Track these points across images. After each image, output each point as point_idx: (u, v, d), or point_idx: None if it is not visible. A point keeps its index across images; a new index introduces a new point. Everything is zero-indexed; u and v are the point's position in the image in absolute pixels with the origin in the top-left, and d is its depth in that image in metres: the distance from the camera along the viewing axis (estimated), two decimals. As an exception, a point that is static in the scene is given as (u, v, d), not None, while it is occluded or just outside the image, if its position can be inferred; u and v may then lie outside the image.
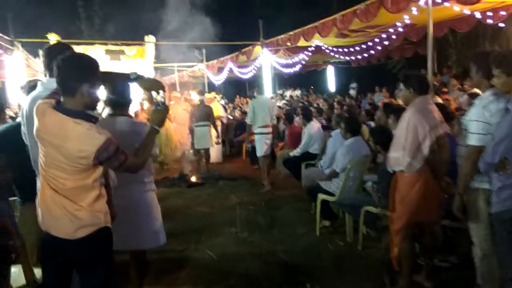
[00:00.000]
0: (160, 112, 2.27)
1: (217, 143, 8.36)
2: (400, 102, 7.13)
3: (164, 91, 2.34)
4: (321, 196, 4.36)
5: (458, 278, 3.18)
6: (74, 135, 1.81)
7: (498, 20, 6.79)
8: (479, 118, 2.62)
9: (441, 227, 3.32)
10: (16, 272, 2.67)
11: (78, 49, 12.00)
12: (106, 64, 12.01)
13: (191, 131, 7.72)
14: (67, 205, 1.90)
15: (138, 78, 2.35)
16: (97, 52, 12.09)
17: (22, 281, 2.77)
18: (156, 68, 13.73)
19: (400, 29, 7.12)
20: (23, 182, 2.82)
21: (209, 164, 8.05)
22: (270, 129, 6.66)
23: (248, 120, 6.82)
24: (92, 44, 12.32)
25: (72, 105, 1.85)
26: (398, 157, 2.95)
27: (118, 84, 2.56)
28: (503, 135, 2.25)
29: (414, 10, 5.81)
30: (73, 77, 1.83)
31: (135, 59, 12.60)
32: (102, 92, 2.71)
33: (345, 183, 4.12)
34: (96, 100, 1.94)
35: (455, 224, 3.23)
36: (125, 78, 2.38)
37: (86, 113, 1.88)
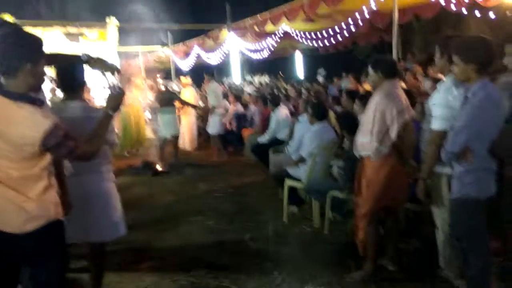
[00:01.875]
0: (116, 97, 2.13)
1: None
2: (367, 87, 7.23)
3: (118, 73, 2.18)
4: (288, 182, 4.33)
5: (422, 261, 3.23)
6: (17, 119, 1.65)
7: (461, 7, 6.91)
8: (442, 102, 2.64)
9: (405, 211, 3.36)
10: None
11: (34, 31, 11.38)
12: (64, 47, 11.45)
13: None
14: (13, 196, 1.75)
15: (89, 60, 2.18)
16: (55, 34, 11.49)
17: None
18: (119, 52, 13.22)
19: (367, 15, 7.13)
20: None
21: (177, 151, 7.84)
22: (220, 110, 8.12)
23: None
24: (50, 25, 11.66)
25: (14, 87, 1.68)
26: (365, 142, 2.93)
27: (68, 66, 2.38)
28: (462, 125, 2.25)
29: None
30: (14, 56, 1.66)
31: (97, 41, 12.08)
32: (52, 75, 2.53)
33: (312, 168, 4.10)
34: (41, 80, 1.77)
35: (418, 208, 3.28)
36: (75, 60, 2.20)
37: (29, 95, 1.71)
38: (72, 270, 3.09)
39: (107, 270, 2.91)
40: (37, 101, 1.72)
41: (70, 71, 2.42)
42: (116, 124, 8.71)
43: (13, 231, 1.76)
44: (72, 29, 11.51)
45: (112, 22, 11.78)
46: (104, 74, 2.14)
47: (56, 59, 2.23)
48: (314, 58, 16.97)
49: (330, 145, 4.16)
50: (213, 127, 8.12)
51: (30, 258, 1.84)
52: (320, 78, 15.92)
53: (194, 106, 8.47)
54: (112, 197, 2.73)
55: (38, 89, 1.79)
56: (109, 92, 2.14)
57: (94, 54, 2.32)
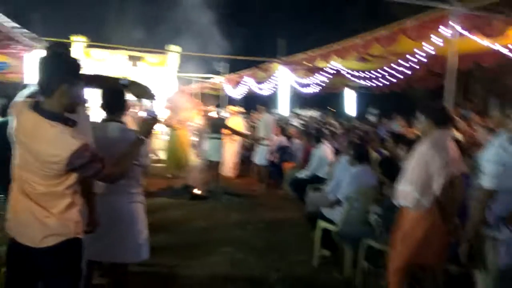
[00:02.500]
0: (149, 122, 2.17)
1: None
2: (417, 132, 6.93)
3: (155, 100, 2.22)
4: (321, 224, 4.15)
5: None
6: (48, 138, 1.70)
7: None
8: (495, 158, 2.42)
9: (444, 272, 3.07)
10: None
11: (103, 53, 12.25)
12: (126, 70, 12.21)
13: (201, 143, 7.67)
14: (37, 211, 1.79)
15: (129, 84, 2.24)
16: (118, 57, 12.27)
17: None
18: (177, 78, 13.84)
19: (423, 59, 6.94)
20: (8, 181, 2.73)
21: (219, 177, 7.89)
22: (268, 142, 8.10)
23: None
24: (117, 49, 12.50)
25: (50, 106, 1.75)
26: (406, 191, 2.75)
27: (110, 89, 2.47)
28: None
29: (437, 41, 5.62)
30: (52, 77, 1.73)
31: (156, 66, 12.74)
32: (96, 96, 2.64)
33: (347, 212, 3.90)
34: (76, 102, 1.83)
35: (460, 270, 2.98)
36: (115, 83, 2.28)
37: (63, 115, 1.77)
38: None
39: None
40: (70, 121, 1.78)
41: (111, 94, 2.52)
42: (163, 146, 8.99)
43: (32, 245, 1.79)
44: (135, 54, 12.24)
45: (174, 49, 12.40)
46: (140, 100, 2.18)
47: (96, 81, 2.31)
48: (366, 96, 16.70)
49: (369, 190, 3.96)
50: (260, 157, 8.17)
51: (45, 273, 1.86)
52: (371, 117, 15.57)
53: (243, 135, 8.53)
54: (139, 220, 2.73)
55: (73, 109, 1.84)
56: (143, 117, 2.19)
57: (152, 78, 2.38)
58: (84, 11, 20.10)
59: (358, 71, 9.63)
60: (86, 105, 2.61)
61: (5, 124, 2.93)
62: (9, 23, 6.97)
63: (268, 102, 10.61)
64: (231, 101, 15.71)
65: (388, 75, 9.07)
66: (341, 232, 3.91)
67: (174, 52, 12.45)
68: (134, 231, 2.69)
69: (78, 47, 11.66)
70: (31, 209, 1.79)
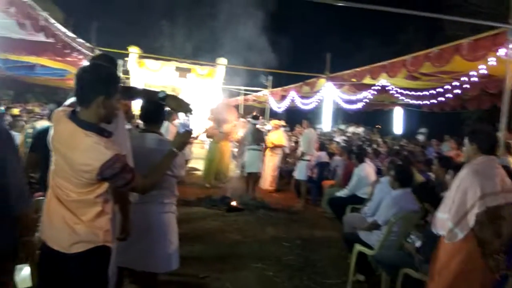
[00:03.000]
0: (183, 136, 2.20)
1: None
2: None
3: (191, 113, 2.25)
4: (358, 247, 3.99)
5: None
6: (82, 147, 1.76)
7: None
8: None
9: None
10: (27, 273, 2.66)
11: (156, 63, 12.78)
12: (176, 80, 12.68)
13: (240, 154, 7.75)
14: (68, 217, 1.85)
15: (166, 97, 2.29)
16: (170, 68, 12.75)
17: (29, 283, 2.76)
18: (223, 89, 14.14)
19: (476, 79, 6.57)
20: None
21: (255, 189, 7.89)
22: (309, 157, 7.90)
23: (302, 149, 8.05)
24: (168, 61, 13.01)
25: (86, 117, 1.81)
26: (443, 219, 2.58)
27: (149, 101, 2.53)
28: None
29: (492, 61, 5.30)
30: (89, 88, 1.80)
31: (205, 78, 13.10)
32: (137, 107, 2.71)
33: (386, 238, 3.72)
34: (112, 113, 1.88)
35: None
36: (153, 96, 2.33)
37: (98, 126, 1.83)
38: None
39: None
40: (105, 132, 1.83)
41: (150, 106, 2.58)
42: (203, 155, 9.15)
43: (61, 250, 1.84)
44: (185, 65, 12.68)
45: (220, 62, 12.70)
46: (176, 113, 2.22)
47: (136, 93, 2.38)
48: (416, 115, 16.10)
49: (409, 215, 3.77)
50: (299, 172, 8.01)
51: (72, 278, 1.89)
52: (421, 137, 14.96)
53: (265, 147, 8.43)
54: (169, 230, 2.76)
55: (109, 120, 1.90)
56: (179, 129, 2.22)
57: (200, 90, 2.42)
58: (141, 25, 21.19)
59: (410, 91, 9.30)
60: (134, 112, 2.69)
61: (47, 130, 3.11)
62: (69, 33, 7.45)
63: (309, 117, 10.53)
64: (274, 114, 15.78)
65: (439, 95, 8.67)
66: (378, 257, 3.73)
67: (220, 65, 12.76)
68: (164, 241, 2.72)
69: (132, 57, 12.26)
70: (62, 215, 1.85)
